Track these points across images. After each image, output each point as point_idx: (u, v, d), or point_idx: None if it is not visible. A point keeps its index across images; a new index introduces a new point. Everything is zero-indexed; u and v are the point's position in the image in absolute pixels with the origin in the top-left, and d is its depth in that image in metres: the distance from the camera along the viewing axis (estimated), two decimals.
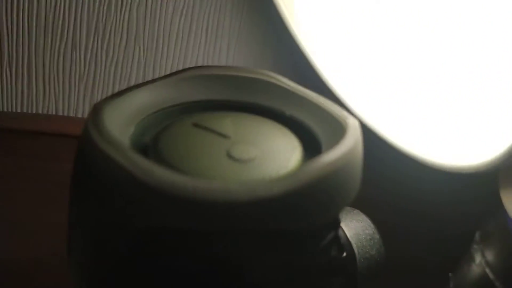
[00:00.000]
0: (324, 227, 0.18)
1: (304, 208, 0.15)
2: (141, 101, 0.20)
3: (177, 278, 0.16)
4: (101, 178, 0.15)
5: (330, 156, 0.16)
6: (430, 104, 0.29)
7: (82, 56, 0.38)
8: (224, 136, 0.18)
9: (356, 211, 0.29)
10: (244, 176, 0.16)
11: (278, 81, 0.22)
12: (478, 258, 0.22)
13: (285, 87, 0.22)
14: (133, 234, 0.15)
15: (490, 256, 0.21)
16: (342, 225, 0.27)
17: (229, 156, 0.17)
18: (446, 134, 0.28)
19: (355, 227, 0.28)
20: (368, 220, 0.29)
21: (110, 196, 0.15)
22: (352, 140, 0.17)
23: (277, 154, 0.18)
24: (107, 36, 0.38)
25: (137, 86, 0.21)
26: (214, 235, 0.14)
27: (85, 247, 0.17)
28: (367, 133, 0.32)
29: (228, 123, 0.19)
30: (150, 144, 0.18)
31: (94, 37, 0.38)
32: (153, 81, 0.21)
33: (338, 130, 0.19)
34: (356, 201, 0.27)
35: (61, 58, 0.38)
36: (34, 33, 0.37)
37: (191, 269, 0.15)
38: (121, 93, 0.20)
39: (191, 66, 0.24)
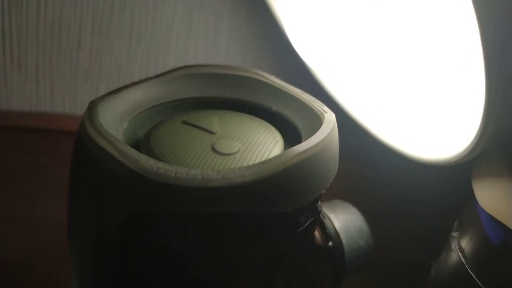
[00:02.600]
0: (300, 212, 0.19)
1: (276, 194, 0.16)
2: (135, 98, 0.22)
3: (161, 257, 0.17)
4: (94, 165, 0.17)
5: (301, 147, 0.17)
6: (411, 102, 0.30)
7: (87, 57, 0.40)
8: (210, 132, 0.20)
9: (347, 203, 0.30)
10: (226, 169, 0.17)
11: (265, 79, 0.23)
12: (454, 245, 0.23)
13: (272, 84, 0.23)
14: (124, 216, 0.16)
15: (463, 242, 0.23)
16: (332, 216, 0.29)
17: (214, 150, 0.19)
18: (425, 130, 0.29)
19: (344, 219, 0.29)
20: (358, 213, 0.30)
21: (102, 182, 0.17)
22: (325, 133, 0.18)
23: (259, 148, 0.19)
24: (111, 38, 0.39)
25: (132, 84, 0.22)
26: (192, 217, 0.16)
27: (82, 228, 0.19)
28: (353, 127, 0.33)
29: (215, 120, 0.21)
30: (143, 139, 0.20)
31: (98, 39, 0.39)
32: (147, 79, 0.22)
33: (316, 124, 0.20)
34: (341, 192, 0.28)
35: (67, 59, 0.39)
36: (42, 36, 0.38)
37: (174, 249, 0.17)
38: (116, 91, 0.21)
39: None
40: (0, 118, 0.39)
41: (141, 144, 0.20)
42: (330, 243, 0.26)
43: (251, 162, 0.18)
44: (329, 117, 0.20)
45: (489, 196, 0.21)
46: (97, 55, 0.40)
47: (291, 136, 0.21)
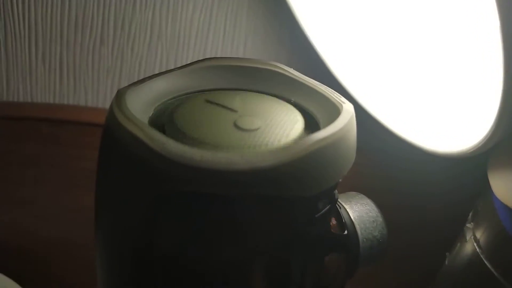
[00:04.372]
0: (317, 198, 0.19)
1: (296, 178, 0.17)
2: (159, 88, 0.22)
3: (185, 238, 0.18)
4: (121, 149, 0.18)
5: (321, 134, 0.18)
6: (426, 94, 0.31)
7: (110, 52, 0.41)
8: (232, 110, 0.20)
9: (361, 195, 0.30)
10: (248, 144, 0.18)
11: (284, 71, 0.24)
12: (469, 235, 0.24)
13: (290, 76, 0.24)
14: (150, 197, 0.17)
15: (478, 233, 0.23)
16: (347, 207, 0.29)
17: (236, 126, 0.19)
18: (441, 122, 0.29)
19: (359, 210, 0.29)
20: (373, 204, 0.30)
21: (130, 165, 0.17)
22: (344, 121, 0.19)
23: (280, 125, 0.20)
24: (132, 33, 0.40)
25: (157, 75, 0.23)
26: (217, 199, 0.17)
27: (110, 211, 0.19)
28: (370, 121, 0.34)
29: (237, 99, 0.21)
30: (167, 115, 0.20)
31: (120, 34, 0.40)
32: (171, 70, 0.23)
33: (335, 114, 0.20)
34: (356, 183, 0.28)
35: (90, 54, 0.40)
36: (66, 31, 0.39)
37: (197, 229, 0.18)
38: (142, 80, 0.22)
39: None
40: (25, 110, 0.40)
41: (165, 119, 0.20)
42: (346, 232, 0.27)
43: (272, 139, 0.19)
44: (347, 107, 0.20)
45: (504, 186, 0.22)
46: (119, 50, 0.41)
47: (309, 125, 0.22)
